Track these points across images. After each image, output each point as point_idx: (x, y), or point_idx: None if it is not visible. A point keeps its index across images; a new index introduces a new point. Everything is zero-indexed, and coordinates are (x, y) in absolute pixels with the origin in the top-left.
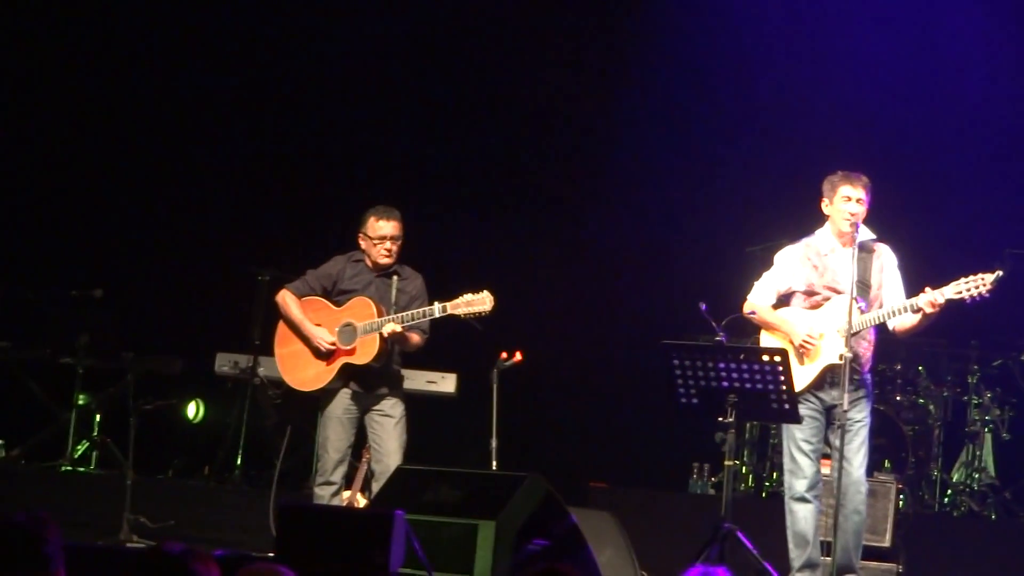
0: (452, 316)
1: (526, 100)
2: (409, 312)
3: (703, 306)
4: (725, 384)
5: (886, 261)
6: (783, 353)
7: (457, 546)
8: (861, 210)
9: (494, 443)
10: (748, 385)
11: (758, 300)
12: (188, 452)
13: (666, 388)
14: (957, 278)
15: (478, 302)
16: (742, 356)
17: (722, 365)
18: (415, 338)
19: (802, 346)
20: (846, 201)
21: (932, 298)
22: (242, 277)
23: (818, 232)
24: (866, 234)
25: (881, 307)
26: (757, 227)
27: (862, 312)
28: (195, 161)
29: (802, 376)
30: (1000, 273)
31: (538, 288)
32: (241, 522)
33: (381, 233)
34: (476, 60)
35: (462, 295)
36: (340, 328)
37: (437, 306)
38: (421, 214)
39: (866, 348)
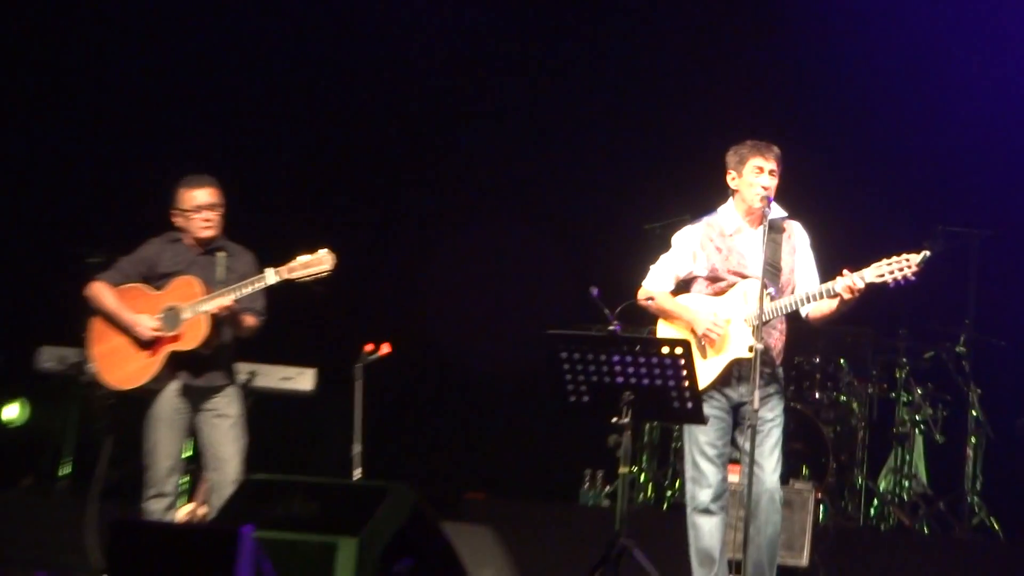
0: (288, 282)
1: (388, 72)
2: (239, 286)
3: (594, 291)
4: (619, 380)
5: (798, 241)
6: (685, 344)
7: (313, 566)
8: (773, 183)
9: (357, 448)
10: (645, 381)
11: (654, 286)
12: (6, 459)
13: (552, 385)
14: (879, 259)
15: (315, 262)
16: (638, 348)
17: (616, 358)
18: (249, 320)
19: (705, 336)
20: (757, 173)
21: (850, 282)
22: (69, 260)
23: (721, 210)
24: (777, 212)
25: (793, 292)
26: (656, 203)
27: (772, 299)
28: (10, 134)
29: (706, 371)
30: (927, 253)
31: (409, 270)
32: (67, 540)
33: (196, 203)
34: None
35: (296, 257)
36: (162, 313)
37: (270, 272)
38: (267, 190)
39: (778, 338)
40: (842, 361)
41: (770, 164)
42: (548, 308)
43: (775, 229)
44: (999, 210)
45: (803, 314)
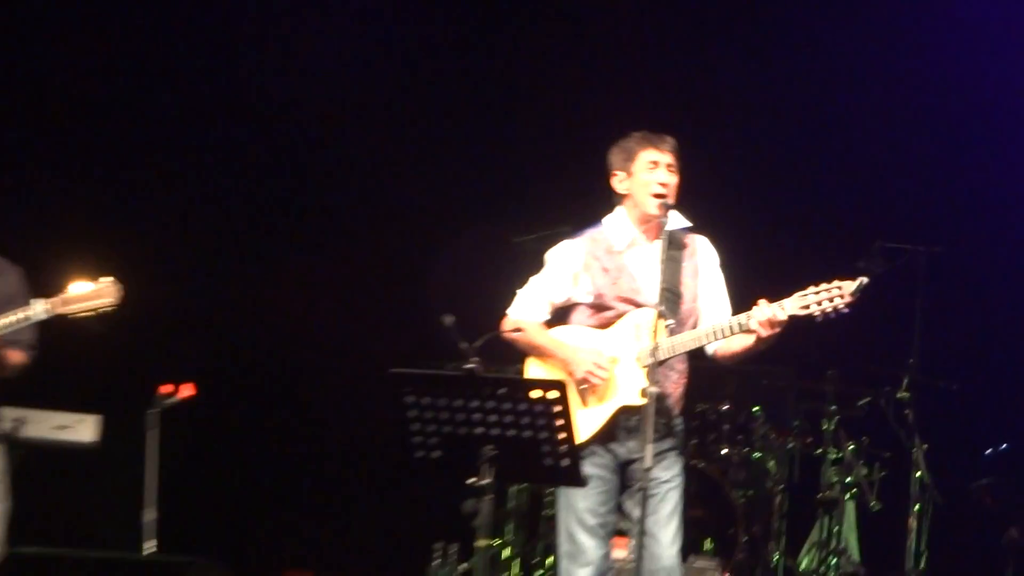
0: (62, 317)
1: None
2: (2, 319)
3: (449, 320)
4: (478, 431)
5: (704, 260)
6: (559, 387)
7: None
8: (673, 181)
9: (150, 514)
10: (511, 432)
11: (524, 315)
12: None
13: (398, 436)
14: (806, 286)
15: (96, 294)
16: (501, 391)
17: (475, 404)
18: (15, 356)
19: (586, 379)
20: (651, 169)
21: (769, 314)
22: None
23: (608, 220)
24: (678, 221)
25: (697, 325)
26: (527, 212)
27: (671, 332)
28: None
29: (587, 421)
30: (864, 280)
31: (220, 294)
32: None
33: None
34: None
35: (71, 284)
36: None
37: (38, 304)
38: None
39: (676, 381)
40: (756, 409)
41: (666, 157)
42: (393, 342)
43: (675, 244)
44: (948, 224)
45: (709, 352)
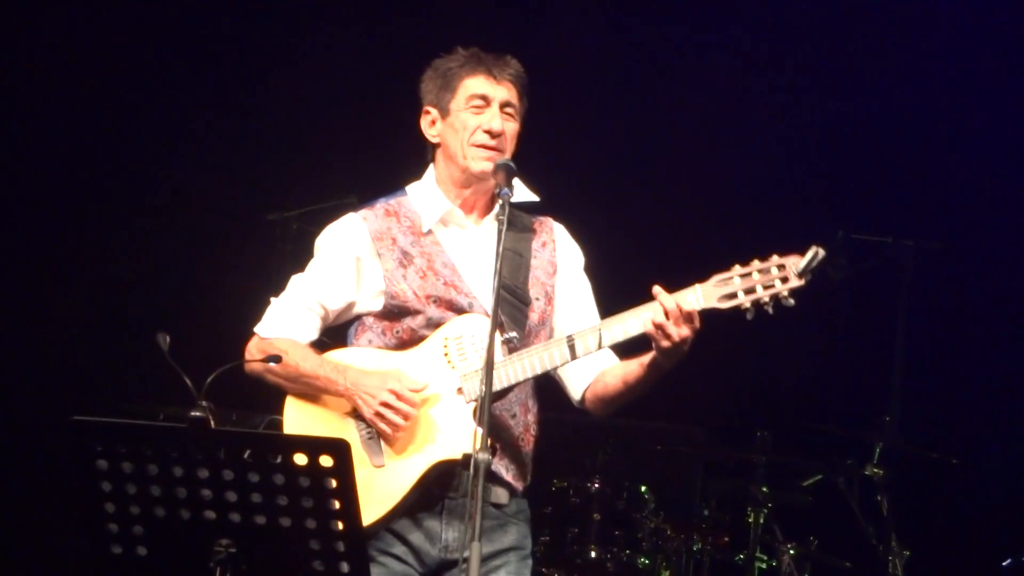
0: None
1: None
2: None
3: (163, 340)
4: (209, 515)
5: (564, 254)
6: (340, 448)
7: None
8: (511, 130)
9: None
10: (259, 519)
11: (281, 331)
12: None
13: (83, 518)
14: (729, 266)
15: None
16: (247, 454)
17: (203, 473)
18: None
19: (379, 419)
20: (476, 108)
21: (672, 307)
22: None
23: (413, 188)
24: (523, 194)
25: (552, 337)
26: (288, 178)
27: (512, 349)
28: None
29: (381, 491)
30: (819, 252)
31: None
32: None
33: None
34: None
35: None
36: None
37: None
38: None
39: (523, 432)
40: (644, 490)
41: (502, 91)
42: (85, 373)
43: (518, 226)
44: (944, 213)
45: (576, 394)
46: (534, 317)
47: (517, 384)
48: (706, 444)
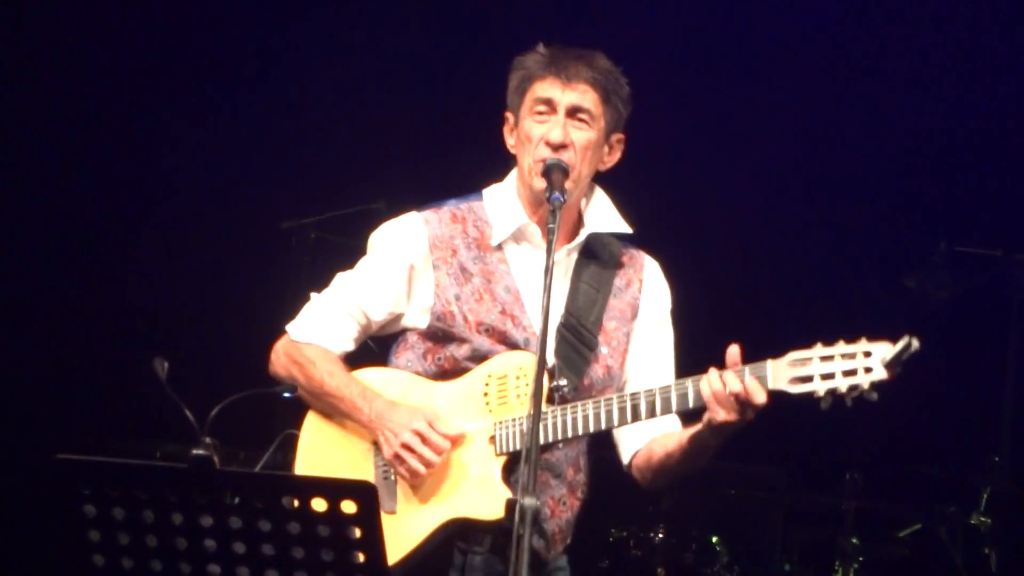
0: None
1: None
2: None
3: (161, 366)
4: (214, 567)
5: (650, 297)
6: (367, 492)
7: None
8: (582, 139)
9: None
10: (272, 569)
11: (315, 337)
12: None
13: (68, 571)
14: (810, 344)
15: None
16: (256, 499)
17: (206, 521)
18: None
19: (398, 461)
20: (540, 117)
21: (738, 388)
22: None
23: (491, 193)
24: (610, 220)
25: (623, 391)
26: (310, 183)
27: (563, 400)
28: None
29: (401, 540)
30: (912, 344)
31: None
32: None
33: None
34: None
35: None
36: None
37: None
38: None
39: (564, 496)
40: (716, 540)
41: (572, 94)
42: (72, 406)
43: (603, 255)
44: None
45: (623, 456)
46: (597, 367)
47: (559, 442)
48: (788, 488)
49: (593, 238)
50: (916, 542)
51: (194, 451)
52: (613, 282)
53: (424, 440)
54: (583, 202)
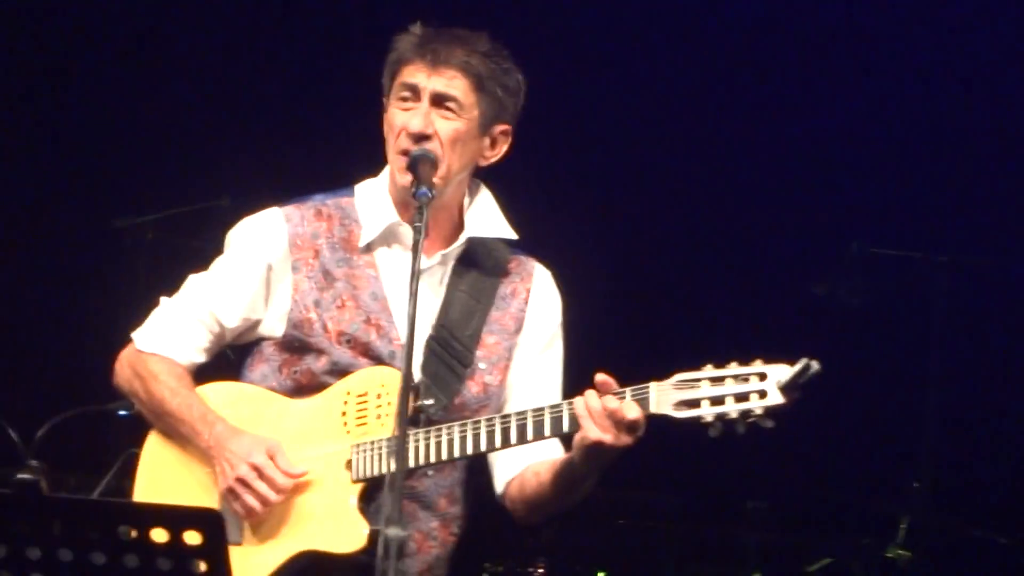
0: None
1: None
2: None
3: None
4: None
5: (538, 309)
6: (212, 521)
7: None
8: (447, 130)
9: None
10: None
11: (161, 347)
12: None
13: None
14: (697, 366)
15: None
16: (90, 529)
17: (33, 554)
18: None
19: (232, 496)
20: (403, 104)
21: (608, 405)
22: None
23: (364, 188)
24: (492, 223)
25: (503, 412)
26: (139, 177)
27: (429, 421)
28: None
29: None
30: (812, 366)
31: None
32: None
33: None
34: None
35: None
36: None
37: None
38: None
39: (437, 525)
40: None
41: (439, 81)
42: None
43: (487, 262)
44: (977, 223)
45: (497, 485)
46: (472, 386)
47: (422, 467)
48: (683, 518)
49: (477, 243)
50: None
51: (19, 475)
52: (496, 291)
53: (261, 475)
54: (466, 202)
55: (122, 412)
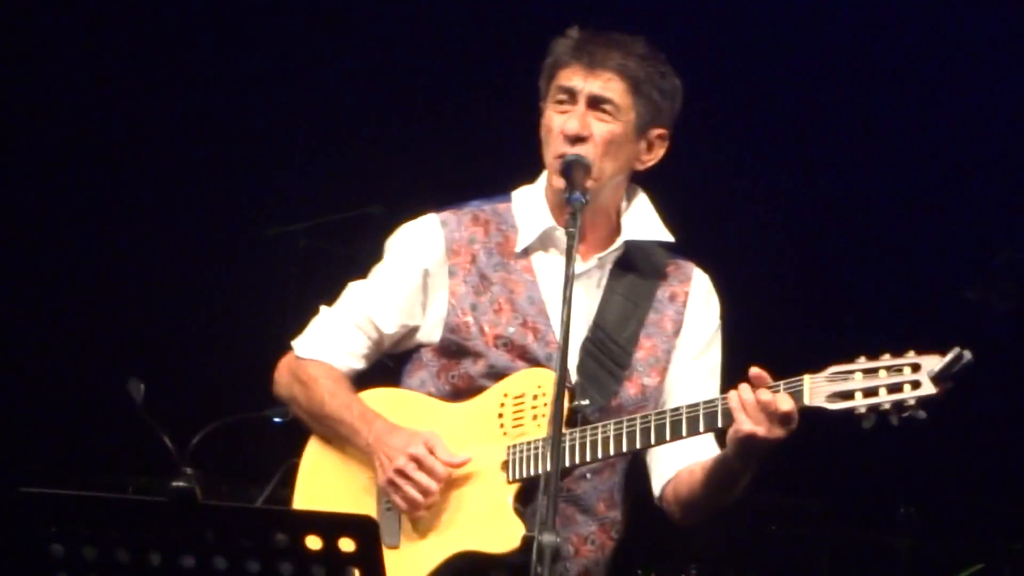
0: None
1: None
2: None
3: (136, 389)
4: None
5: (696, 312)
6: (366, 528)
7: None
8: (602, 132)
9: None
10: None
11: (321, 354)
12: None
13: None
14: (851, 358)
15: None
16: (243, 536)
17: (188, 562)
18: None
19: (393, 488)
20: (560, 107)
21: (762, 398)
22: None
23: (521, 194)
24: (650, 227)
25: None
26: (290, 186)
27: (585, 420)
28: None
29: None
30: (963, 354)
31: None
32: None
33: None
34: None
35: None
36: None
37: None
38: None
39: (595, 529)
40: None
41: (595, 83)
42: (35, 435)
43: (644, 266)
44: None
45: (655, 487)
46: (629, 388)
47: (577, 467)
48: (834, 523)
49: (634, 247)
50: None
51: (173, 482)
52: (654, 295)
53: (420, 465)
54: (623, 205)
55: (277, 419)
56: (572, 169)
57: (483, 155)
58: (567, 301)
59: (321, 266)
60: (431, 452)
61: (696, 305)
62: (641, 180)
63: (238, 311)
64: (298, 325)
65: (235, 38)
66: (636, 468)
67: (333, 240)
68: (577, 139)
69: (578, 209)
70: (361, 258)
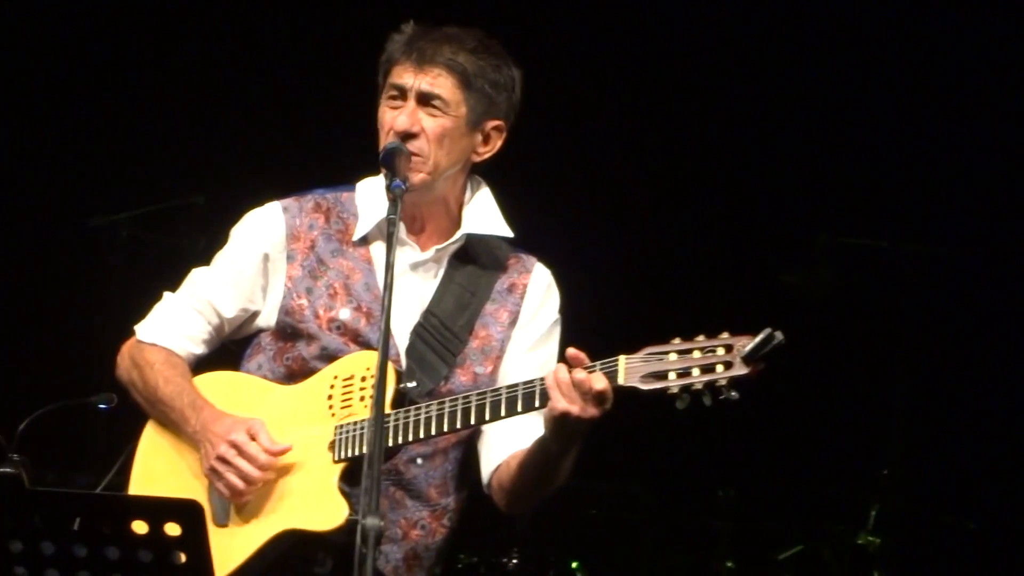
0: None
1: None
2: None
3: None
4: None
5: (533, 306)
6: (192, 512)
7: None
8: (433, 127)
9: None
10: None
11: (159, 333)
12: None
13: None
14: (668, 338)
15: None
16: (69, 522)
17: (18, 547)
18: None
19: (214, 476)
20: (391, 102)
21: (577, 380)
22: None
23: (365, 185)
24: (487, 220)
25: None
26: (112, 176)
27: (414, 403)
28: None
29: (229, 555)
30: (774, 335)
31: None
32: None
33: None
34: None
35: None
36: None
37: None
38: None
39: (427, 516)
40: (576, 566)
41: (424, 80)
42: None
43: (484, 258)
44: (944, 213)
45: (483, 475)
46: (461, 375)
47: (403, 446)
48: (655, 508)
49: (477, 241)
50: (798, 565)
51: (0, 469)
52: (493, 286)
53: (240, 452)
54: (465, 196)
55: (102, 406)
56: (392, 157)
57: (311, 146)
58: (388, 287)
59: (144, 256)
60: (253, 439)
61: (534, 297)
62: (485, 172)
63: (62, 301)
64: (122, 314)
65: (60, 25)
66: (468, 458)
67: (156, 230)
68: (407, 135)
69: (399, 196)
70: (184, 247)
